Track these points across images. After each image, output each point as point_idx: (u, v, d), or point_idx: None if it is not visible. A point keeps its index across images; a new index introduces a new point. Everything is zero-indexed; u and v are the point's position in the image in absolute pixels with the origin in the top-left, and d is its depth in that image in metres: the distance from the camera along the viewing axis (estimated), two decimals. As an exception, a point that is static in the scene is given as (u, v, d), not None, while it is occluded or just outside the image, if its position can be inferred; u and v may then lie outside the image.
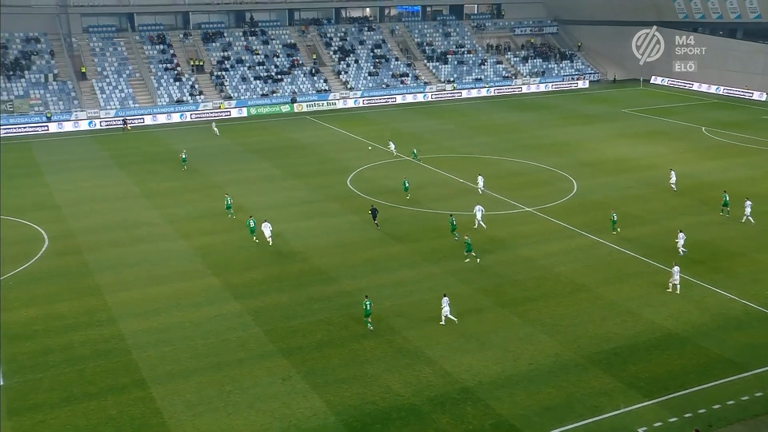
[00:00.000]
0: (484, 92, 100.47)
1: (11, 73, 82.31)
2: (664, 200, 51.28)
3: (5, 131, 75.84)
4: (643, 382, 28.43)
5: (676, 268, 36.44)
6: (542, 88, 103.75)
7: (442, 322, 33.08)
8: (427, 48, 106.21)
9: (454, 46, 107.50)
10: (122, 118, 79.62)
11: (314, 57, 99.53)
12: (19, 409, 27.00)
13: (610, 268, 39.58)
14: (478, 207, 45.95)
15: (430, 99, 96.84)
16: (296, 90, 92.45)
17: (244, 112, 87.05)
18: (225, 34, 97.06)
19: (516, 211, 49.48)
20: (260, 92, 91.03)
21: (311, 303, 35.49)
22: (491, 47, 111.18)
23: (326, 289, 37.14)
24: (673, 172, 54.05)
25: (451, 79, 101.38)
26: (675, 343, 31.51)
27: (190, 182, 55.25)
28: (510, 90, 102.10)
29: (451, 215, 45.27)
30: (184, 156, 61.55)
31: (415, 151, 64.02)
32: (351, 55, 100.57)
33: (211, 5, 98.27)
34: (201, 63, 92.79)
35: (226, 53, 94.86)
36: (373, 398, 27.60)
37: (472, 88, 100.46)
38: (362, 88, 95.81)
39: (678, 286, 36.19)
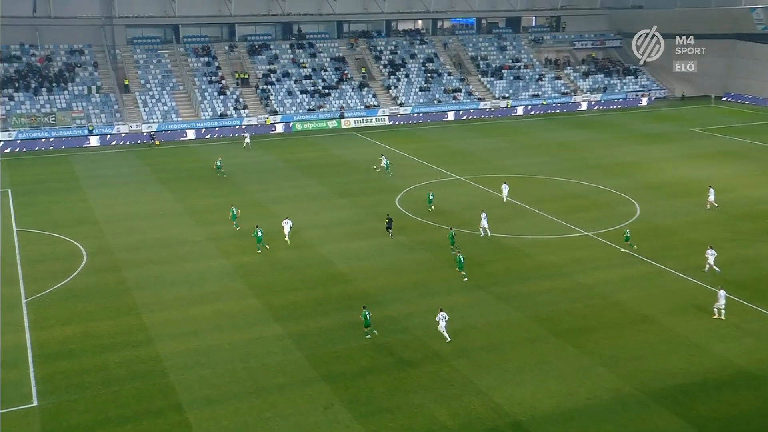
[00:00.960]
0: (541, 109, 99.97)
1: (55, 84, 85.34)
2: (735, 226, 50.09)
3: (44, 145, 78.39)
4: (714, 424, 27.61)
5: (722, 292, 36.14)
6: (604, 105, 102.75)
7: (448, 339, 33.59)
8: (481, 62, 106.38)
9: (510, 61, 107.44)
10: (149, 133, 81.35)
11: (363, 71, 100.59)
12: (53, 430, 27.65)
13: (676, 298, 38.76)
14: (483, 214, 47.73)
15: (483, 116, 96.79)
16: (344, 105, 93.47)
17: (290, 128, 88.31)
18: (271, 47, 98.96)
19: (573, 235, 48.98)
20: (307, 107, 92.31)
21: (356, 328, 35.55)
22: (549, 62, 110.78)
23: (372, 313, 37.12)
24: (711, 190, 53.98)
25: (507, 95, 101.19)
26: (749, 382, 30.59)
27: (232, 199, 56.14)
28: (569, 107, 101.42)
29: (451, 229, 46.07)
30: (218, 163, 62.97)
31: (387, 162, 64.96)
32: (401, 69, 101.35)
33: (257, 17, 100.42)
34: (246, 76, 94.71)
35: (272, 66, 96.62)
36: (419, 430, 27.48)
37: (529, 105, 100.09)
38: (413, 104, 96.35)
39: (723, 311, 35.84)
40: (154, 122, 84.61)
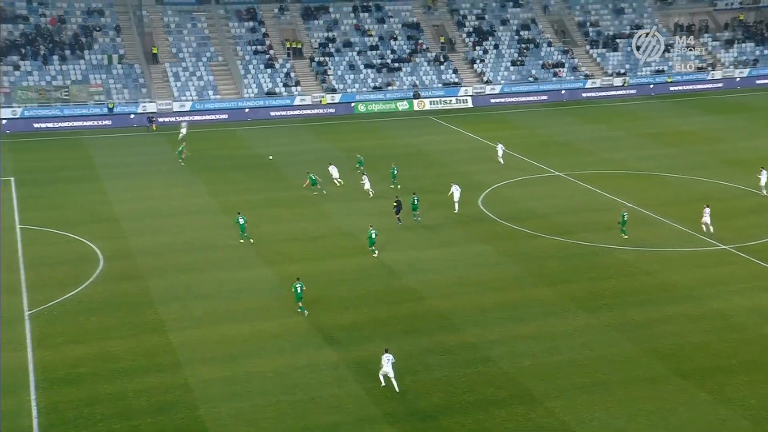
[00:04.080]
0: (666, 89, 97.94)
1: (69, 52, 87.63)
2: None
3: (55, 124, 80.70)
4: None
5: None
6: (752, 83, 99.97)
7: (383, 384, 32.58)
8: (590, 30, 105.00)
9: (629, 28, 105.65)
10: (148, 115, 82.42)
11: (442, 40, 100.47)
12: (58, 470, 28.36)
13: (841, 332, 37.39)
14: (455, 187, 53.22)
15: (591, 97, 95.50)
16: (418, 82, 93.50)
17: (351, 109, 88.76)
18: (330, 10, 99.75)
19: (706, 248, 47.90)
20: (372, 84, 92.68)
21: (427, 356, 35.44)
22: (680, 28, 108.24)
23: (447, 338, 37.05)
24: (764, 172, 55.82)
25: (622, 71, 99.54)
26: None
27: (277, 195, 56.83)
28: (704, 85, 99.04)
29: (370, 226, 46.93)
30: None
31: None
32: (490, 38, 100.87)
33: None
34: (299, 45, 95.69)
35: (330, 34, 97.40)
36: (504, 488, 27.20)
37: (650, 83, 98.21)
38: (502, 81, 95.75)
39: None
40: (187, 100, 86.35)
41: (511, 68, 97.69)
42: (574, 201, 56.11)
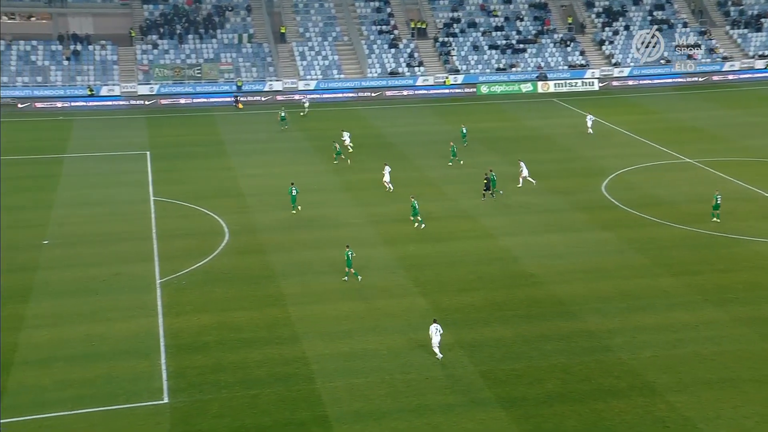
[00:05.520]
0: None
1: (203, 31, 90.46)
2: None
3: (188, 101, 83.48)
4: None
5: None
6: None
7: (438, 356, 33.74)
8: (732, 9, 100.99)
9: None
10: (234, 94, 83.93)
11: (570, 21, 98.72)
12: (183, 433, 29.59)
13: None
14: (522, 164, 54.42)
15: (728, 80, 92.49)
16: (543, 64, 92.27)
17: (473, 91, 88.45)
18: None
19: None
20: (495, 65, 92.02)
21: (543, 342, 35.22)
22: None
23: (564, 325, 36.71)
24: None
25: (766, 53, 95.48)
26: None
27: (399, 176, 57.12)
28: None
29: (412, 197, 48.44)
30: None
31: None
32: (620, 18, 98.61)
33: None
34: (424, 26, 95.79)
35: (455, 14, 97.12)
36: (619, 479, 26.84)
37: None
38: (632, 64, 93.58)
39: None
40: (312, 79, 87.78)
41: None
42: (705, 189, 54.21)
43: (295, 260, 44.13)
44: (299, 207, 50.69)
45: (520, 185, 54.92)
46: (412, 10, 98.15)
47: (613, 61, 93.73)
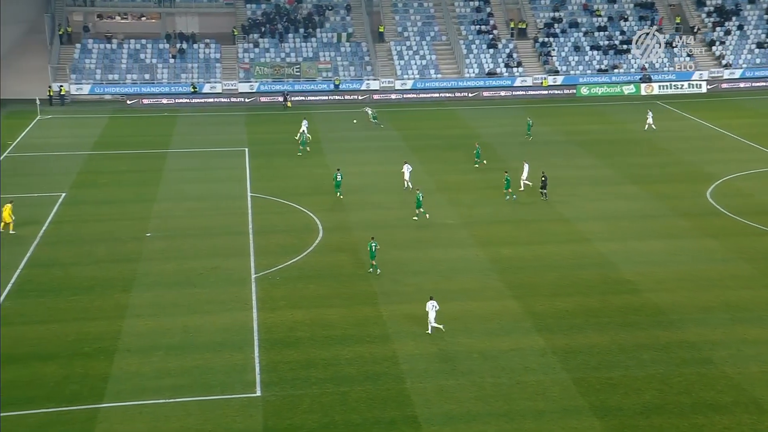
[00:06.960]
0: None
1: (302, 30, 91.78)
2: None
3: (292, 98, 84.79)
4: None
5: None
6: None
7: (428, 331, 35.78)
8: None
9: None
10: (283, 92, 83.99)
11: (677, 20, 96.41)
12: (274, 427, 30.07)
13: None
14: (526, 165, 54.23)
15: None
16: (647, 65, 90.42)
17: (572, 92, 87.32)
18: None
19: None
20: (597, 66, 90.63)
21: (640, 351, 34.64)
22: None
23: (663, 334, 36.04)
24: None
25: None
26: None
27: (492, 176, 56.82)
28: None
29: (417, 190, 50.39)
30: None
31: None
32: (733, 18, 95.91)
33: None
34: (524, 26, 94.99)
35: (557, 14, 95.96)
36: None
37: None
38: (744, 65, 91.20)
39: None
40: (409, 78, 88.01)
41: (756, 51, 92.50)
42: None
43: (388, 260, 44.21)
44: (341, 195, 53.15)
45: (522, 189, 54.51)
46: (512, 10, 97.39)
47: (724, 62, 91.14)
